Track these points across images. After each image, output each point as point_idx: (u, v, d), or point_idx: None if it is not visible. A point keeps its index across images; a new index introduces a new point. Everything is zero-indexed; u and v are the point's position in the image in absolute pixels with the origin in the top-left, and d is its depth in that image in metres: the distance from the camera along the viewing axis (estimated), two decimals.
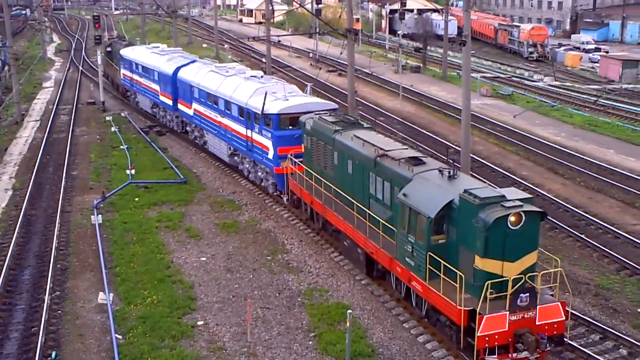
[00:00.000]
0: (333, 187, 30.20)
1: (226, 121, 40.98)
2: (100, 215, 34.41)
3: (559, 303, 21.48)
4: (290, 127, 35.33)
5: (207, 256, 30.90)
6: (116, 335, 23.91)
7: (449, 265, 21.72)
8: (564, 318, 21.49)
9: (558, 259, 22.86)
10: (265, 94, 36.03)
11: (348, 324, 22.19)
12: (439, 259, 21.99)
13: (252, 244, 32.22)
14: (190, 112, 47.35)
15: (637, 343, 23.63)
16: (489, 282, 20.38)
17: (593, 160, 46.25)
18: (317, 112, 33.25)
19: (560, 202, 37.52)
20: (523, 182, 40.90)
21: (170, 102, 51.51)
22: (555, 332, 21.40)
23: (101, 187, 40.68)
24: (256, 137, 37.10)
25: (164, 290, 27.54)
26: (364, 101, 64.73)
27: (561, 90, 76.61)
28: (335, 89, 66.86)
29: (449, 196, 22.20)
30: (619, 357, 22.98)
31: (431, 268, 22.25)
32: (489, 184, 25.66)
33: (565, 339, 22.08)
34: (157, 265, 29.91)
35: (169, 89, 51.18)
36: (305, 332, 24.67)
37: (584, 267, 29.94)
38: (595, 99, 70.10)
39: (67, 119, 60.93)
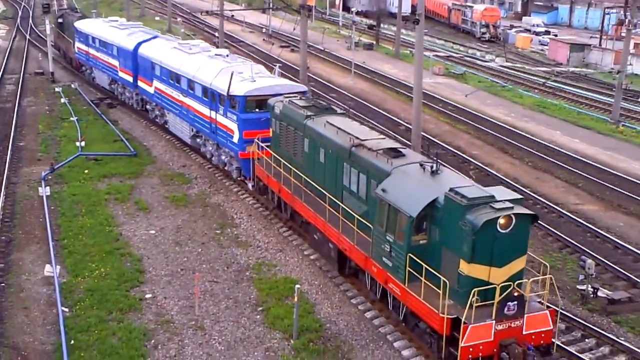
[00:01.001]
0: (303, 176, 28.49)
1: (189, 101, 39.30)
2: (48, 187, 34.08)
3: (547, 311, 20.29)
4: (257, 110, 33.67)
5: (156, 229, 30.79)
6: (62, 308, 23.73)
7: (431, 269, 20.25)
8: (551, 327, 20.39)
9: (547, 264, 21.65)
10: (232, 74, 34.36)
11: (296, 298, 22.40)
12: (420, 261, 20.43)
13: (202, 218, 32.17)
14: (151, 90, 45.52)
15: (574, 317, 24.25)
16: (476, 289, 19.13)
17: (541, 141, 46.97)
18: (286, 95, 31.84)
19: (509, 181, 38.04)
20: (473, 160, 41.40)
21: (130, 79, 49.44)
22: (542, 342, 20.25)
23: (50, 158, 40.17)
24: (221, 119, 35.48)
25: (112, 263, 27.40)
26: (316, 77, 64.71)
27: (512, 71, 77.51)
28: (287, 64, 66.64)
29: (433, 194, 20.73)
30: (556, 331, 23.49)
31: (411, 270, 20.77)
32: (465, 177, 23.63)
33: (552, 350, 20.83)
34: (106, 237, 29.72)
35: (129, 65, 49.06)
36: (253, 306, 24.78)
37: (529, 245, 30.41)
38: (544, 81, 71.09)
39: (14, 89, 59.75)
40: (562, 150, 45.14)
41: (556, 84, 70.25)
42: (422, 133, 38.61)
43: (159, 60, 43.68)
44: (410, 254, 20.72)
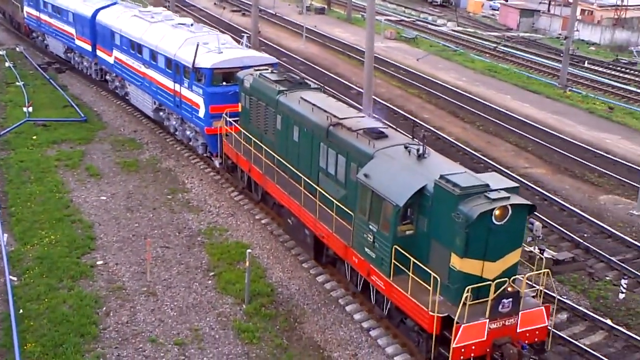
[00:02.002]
0: (275, 155, 26.83)
1: (151, 73, 37.22)
2: None
3: (542, 307, 19.11)
4: (225, 83, 31.96)
5: (107, 195, 30.56)
6: (10, 277, 23.50)
7: (419, 263, 18.82)
8: (546, 324, 19.25)
9: (542, 256, 20.51)
10: (197, 45, 32.42)
11: (247, 263, 22.48)
12: (406, 254, 19.15)
13: (153, 183, 32.01)
14: (111, 60, 43.02)
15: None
16: (470, 287, 17.81)
17: (492, 105, 47.47)
18: (256, 68, 30.27)
19: (460, 145, 38.45)
20: (424, 124, 41.68)
21: (88, 48, 46.62)
22: (535, 339, 19.09)
23: None
24: (185, 92, 33.60)
25: (63, 230, 27.17)
26: (267, 42, 64.29)
27: (463, 35, 77.95)
28: (238, 29, 66.12)
29: (421, 181, 19.19)
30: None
31: (396, 263, 19.43)
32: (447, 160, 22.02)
33: (546, 347, 19.72)
34: (56, 204, 29.42)
35: (86, 33, 46.24)
36: (204, 271, 24.83)
37: None
38: (495, 45, 71.63)
39: None
40: (512, 114, 45.68)
41: (507, 49, 70.87)
42: (374, 97, 38.68)
43: (119, 28, 41.28)
44: (395, 246, 19.35)
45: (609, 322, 22.87)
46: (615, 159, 37.93)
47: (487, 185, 18.32)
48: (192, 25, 38.73)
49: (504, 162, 36.67)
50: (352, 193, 21.93)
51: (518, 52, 69.85)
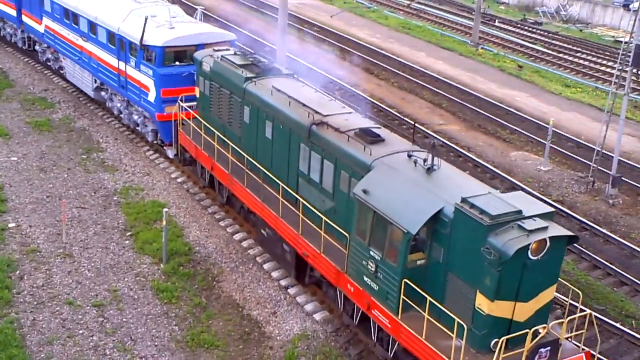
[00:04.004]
0: (244, 154, 23.34)
1: (90, 47, 33.06)
2: None
3: (583, 354, 16.42)
4: (178, 63, 28.52)
5: (18, 156, 29.84)
6: None
7: (435, 302, 15.92)
8: None
9: (580, 292, 17.39)
10: (146, 19, 28.40)
11: (164, 222, 22.42)
12: (418, 289, 16.25)
13: (67, 143, 31.39)
14: (41, 28, 38.53)
15: None
16: (504, 338, 14.87)
17: (406, 62, 47.94)
18: (216, 48, 27.00)
19: (375, 102, 38.81)
20: (338, 81, 41.84)
21: (12, 12, 41.73)
22: None
23: None
24: (132, 72, 29.87)
25: None
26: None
27: None
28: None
29: (437, 203, 16.10)
30: None
31: (406, 299, 16.46)
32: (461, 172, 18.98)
33: None
34: None
35: None
36: (121, 231, 24.64)
37: None
38: (408, 2, 72.05)
39: None
40: (426, 71, 46.29)
41: (420, 6, 71.40)
42: (287, 54, 38.61)
43: None
44: (405, 279, 16.34)
45: None
46: (525, 116, 38.93)
47: (520, 212, 15.33)
48: None
49: (419, 118, 37.22)
50: (342, 206, 19.16)
51: (431, 10, 70.51)
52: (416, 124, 33.53)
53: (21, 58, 42.73)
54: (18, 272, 21.93)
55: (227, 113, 24.84)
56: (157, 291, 21.43)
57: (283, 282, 22.08)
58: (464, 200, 15.52)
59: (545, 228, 15.14)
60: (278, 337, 19.90)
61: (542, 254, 15.12)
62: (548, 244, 15.06)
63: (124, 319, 20.18)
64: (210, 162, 25.17)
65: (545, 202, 28.53)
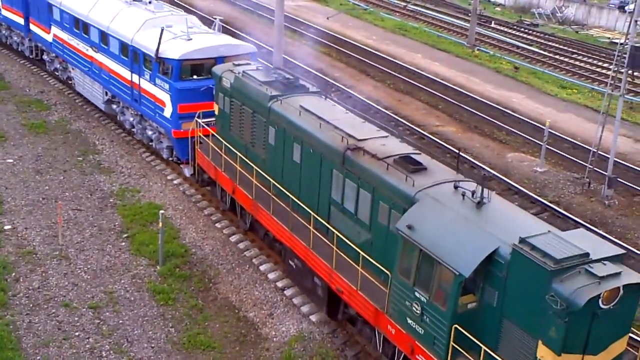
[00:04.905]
0: (270, 178, 21.72)
1: (102, 58, 31.80)
2: None
3: None
4: (196, 77, 27.20)
5: (14, 158, 29.80)
6: None
7: (489, 350, 14.44)
8: None
9: None
10: (162, 30, 27.08)
11: (160, 224, 22.39)
12: (471, 336, 14.70)
13: (63, 145, 31.35)
14: (49, 37, 37.33)
15: None
16: None
17: (402, 64, 47.94)
18: (236, 63, 25.49)
19: (372, 103, 38.80)
20: (335, 83, 41.87)
21: (20, 21, 40.55)
22: None
23: None
24: (147, 85, 28.50)
25: None
26: (176, 1, 63.32)
27: None
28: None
29: (491, 243, 14.66)
30: None
31: (456, 346, 15.01)
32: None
33: None
34: None
35: (17, 3, 40.47)
36: (118, 233, 24.62)
37: None
38: (405, 4, 72.19)
39: None
40: (422, 72, 46.30)
41: (416, 7, 71.50)
42: (284, 55, 38.61)
43: (58, 1, 35.51)
44: (455, 325, 14.92)
45: None
46: (521, 117, 38.94)
47: (587, 254, 13.79)
48: (150, 2, 32.69)
49: (416, 120, 37.22)
50: (380, 239, 17.77)
51: (427, 11, 70.61)
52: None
53: (17, 60, 42.73)
54: (14, 274, 21.88)
55: (250, 133, 23.32)
56: (154, 293, 21.41)
57: (279, 284, 22.06)
58: (522, 240, 14.04)
59: (618, 274, 13.62)
60: (274, 339, 19.88)
61: (614, 303, 13.56)
62: (621, 292, 13.57)
63: (121, 321, 20.15)
64: (232, 185, 23.77)
65: (542, 204, 28.64)
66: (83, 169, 29.14)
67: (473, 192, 16.06)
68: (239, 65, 25.01)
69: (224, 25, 54.43)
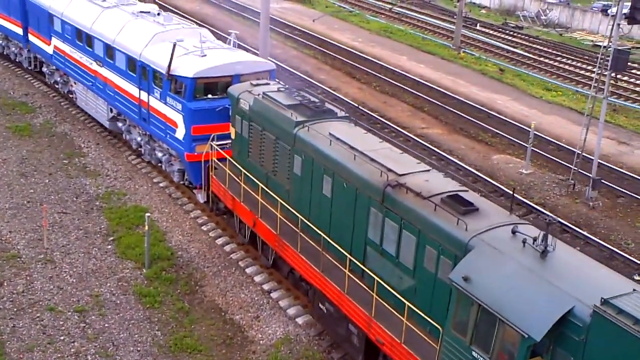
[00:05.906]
0: (296, 212, 19.92)
1: (106, 73, 30.02)
2: None
3: None
4: (210, 96, 25.19)
5: None
6: None
7: None
8: None
9: None
10: (174, 45, 25.18)
11: (146, 227, 22.34)
12: None
13: (48, 148, 31.23)
14: (49, 49, 35.51)
15: None
16: None
17: (388, 66, 48.04)
18: (254, 82, 23.62)
19: (357, 105, 38.85)
20: (321, 85, 41.88)
21: (18, 31, 38.71)
22: None
23: None
24: (156, 104, 26.59)
25: None
26: (160, 3, 63.09)
27: None
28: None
29: (565, 301, 12.81)
30: None
31: None
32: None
33: None
34: None
35: (15, 12, 38.64)
36: (104, 236, 24.55)
37: None
38: (390, 6, 72.36)
39: None
40: (408, 75, 46.40)
41: (402, 10, 71.71)
42: (270, 58, 38.64)
43: (60, 12, 33.73)
44: None
45: None
46: (506, 119, 39.10)
47: None
48: (158, 14, 30.83)
49: (401, 122, 37.30)
50: (426, 287, 16.07)
51: (413, 14, 70.83)
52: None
53: (0, 62, 42.47)
54: None
55: (272, 161, 21.44)
56: (140, 296, 21.35)
57: (266, 287, 22.04)
58: (605, 302, 12.16)
59: None
60: (261, 342, 19.88)
61: None
62: None
63: (106, 325, 20.08)
64: (252, 217, 21.84)
65: (527, 205, 28.74)
66: (68, 172, 29.03)
67: (534, 239, 14.21)
68: (257, 85, 23.22)
69: (206, 25, 54.53)
